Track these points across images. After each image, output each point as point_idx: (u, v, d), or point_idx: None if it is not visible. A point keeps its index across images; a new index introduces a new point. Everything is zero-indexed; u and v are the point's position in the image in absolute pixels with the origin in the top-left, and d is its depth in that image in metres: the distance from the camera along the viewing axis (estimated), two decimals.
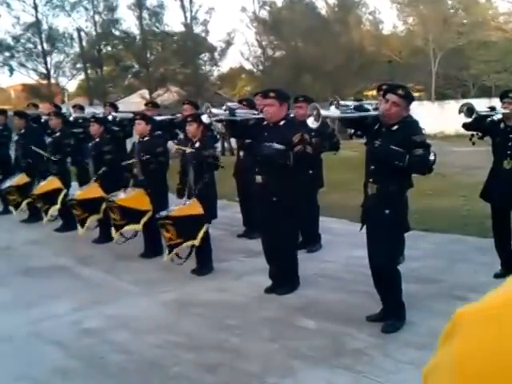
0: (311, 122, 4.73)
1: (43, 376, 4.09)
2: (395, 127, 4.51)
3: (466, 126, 5.86)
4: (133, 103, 27.04)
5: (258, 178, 5.56)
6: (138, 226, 6.96)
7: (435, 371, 0.70)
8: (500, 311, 0.66)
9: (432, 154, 4.45)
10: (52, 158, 8.89)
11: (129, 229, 7.03)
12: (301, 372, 3.97)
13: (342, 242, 7.32)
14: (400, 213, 4.60)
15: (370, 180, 4.64)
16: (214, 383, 3.91)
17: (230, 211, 9.00)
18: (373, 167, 4.62)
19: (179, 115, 8.54)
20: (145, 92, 31.76)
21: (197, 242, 6.22)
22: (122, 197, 7.03)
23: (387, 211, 4.50)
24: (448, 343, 0.69)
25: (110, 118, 8.53)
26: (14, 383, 4.00)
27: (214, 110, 6.25)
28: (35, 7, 30.11)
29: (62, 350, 4.54)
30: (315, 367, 4.05)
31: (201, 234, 6.22)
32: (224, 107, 6.56)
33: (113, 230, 7.05)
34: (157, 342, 4.61)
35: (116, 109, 9.68)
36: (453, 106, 30.37)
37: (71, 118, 9.35)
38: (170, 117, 8.77)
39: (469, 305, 0.70)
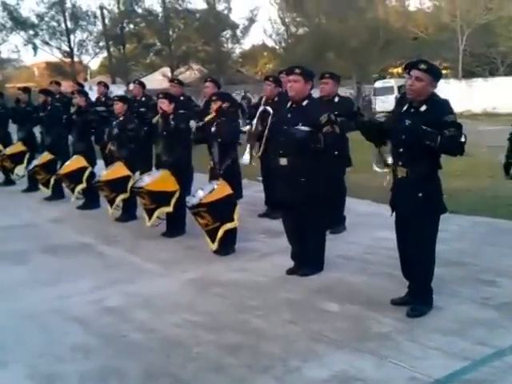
0: None
1: (65, 353, 4.08)
2: (423, 108, 4.31)
3: None
4: (155, 81, 27.04)
5: (283, 161, 5.41)
6: (169, 208, 6.92)
7: None
8: None
9: (463, 136, 4.28)
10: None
11: (161, 212, 6.99)
12: (324, 355, 3.90)
13: (366, 224, 7.21)
14: (434, 194, 4.45)
15: (399, 164, 4.48)
16: (236, 365, 3.85)
17: (251, 190, 8.91)
18: (401, 150, 4.44)
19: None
20: (167, 70, 31.80)
21: (234, 224, 6.16)
22: (148, 181, 6.97)
23: (420, 194, 4.36)
24: None
25: None
26: (35, 360, 3.99)
27: None
28: None
29: (84, 328, 4.53)
30: (339, 351, 3.97)
31: (237, 215, 6.17)
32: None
33: (145, 216, 7.01)
34: (178, 321, 4.58)
35: (143, 87, 9.76)
36: (480, 84, 29.86)
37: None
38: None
39: None
